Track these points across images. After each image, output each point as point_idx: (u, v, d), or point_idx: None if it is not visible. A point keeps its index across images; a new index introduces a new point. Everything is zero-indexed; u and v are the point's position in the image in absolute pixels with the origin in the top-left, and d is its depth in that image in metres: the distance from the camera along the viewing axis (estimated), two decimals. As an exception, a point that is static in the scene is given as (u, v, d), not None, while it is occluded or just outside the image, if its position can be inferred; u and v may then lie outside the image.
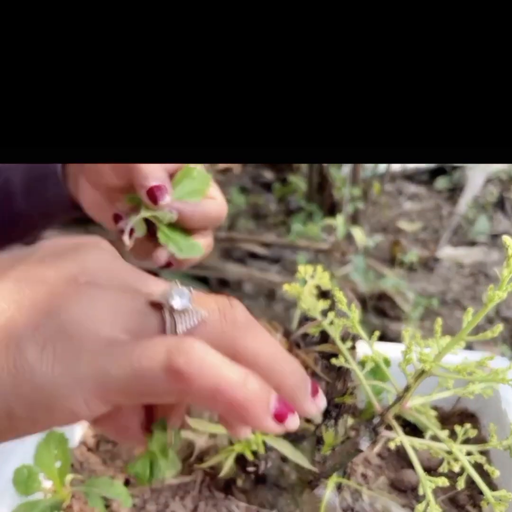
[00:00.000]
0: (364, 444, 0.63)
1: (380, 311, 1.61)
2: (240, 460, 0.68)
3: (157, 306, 0.34)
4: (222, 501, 0.69)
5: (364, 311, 1.56)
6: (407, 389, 0.62)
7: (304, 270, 0.75)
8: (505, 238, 0.53)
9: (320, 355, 0.67)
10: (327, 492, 0.60)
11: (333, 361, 0.66)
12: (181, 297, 0.35)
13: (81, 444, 0.78)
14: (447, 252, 2.06)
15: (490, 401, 0.78)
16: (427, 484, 0.58)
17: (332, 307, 0.71)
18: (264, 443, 0.66)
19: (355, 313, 0.65)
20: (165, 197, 0.53)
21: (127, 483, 0.73)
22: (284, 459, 0.67)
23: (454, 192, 2.61)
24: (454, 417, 0.83)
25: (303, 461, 0.63)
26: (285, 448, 0.63)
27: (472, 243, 2.21)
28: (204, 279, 1.78)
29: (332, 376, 0.67)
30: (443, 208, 2.47)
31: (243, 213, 2.15)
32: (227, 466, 0.64)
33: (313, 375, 0.66)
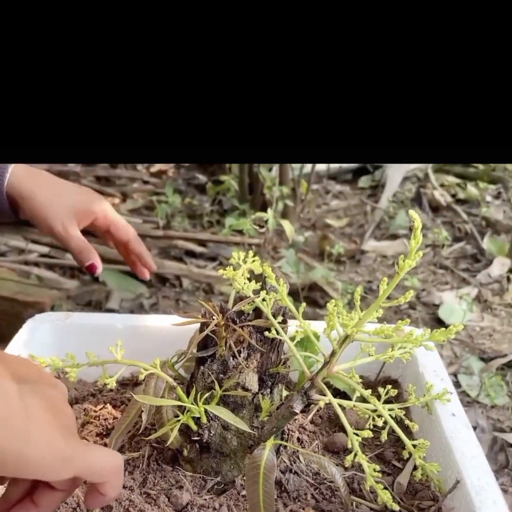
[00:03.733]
0: (298, 407, 0.70)
1: (312, 300, 1.69)
2: (185, 431, 0.73)
3: None
4: (170, 473, 0.74)
5: (296, 301, 1.64)
6: (332, 354, 0.69)
7: (237, 255, 0.81)
8: (411, 212, 0.61)
9: (255, 330, 0.73)
10: (266, 452, 0.66)
11: (266, 334, 0.72)
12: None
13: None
14: (371, 244, 2.18)
15: (409, 367, 0.87)
16: (354, 438, 0.65)
17: (263, 287, 0.78)
18: (207, 413, 0.71)
19: (284, 287, 0.71)
20: (98, 270, 0.92)
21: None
22: (225, 427, 0.73)
23: (376, 189, 2.75)
24: (378, 385, 0.91)
25: (243, 426, 0.69)
26: (226, 415, 0.69)
27: (394, 236, 2.34)
28: (142, 277, 1.81)
29: (266, 348, 0.74)
30: (366, 205, 2.60)
31: (179, 213, 2.20)
32: (173, 436, 0.69)
33: (249, 346, 0.72)
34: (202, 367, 0.75)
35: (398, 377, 0.91)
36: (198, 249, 2.08)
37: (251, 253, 0.83)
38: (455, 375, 1.44)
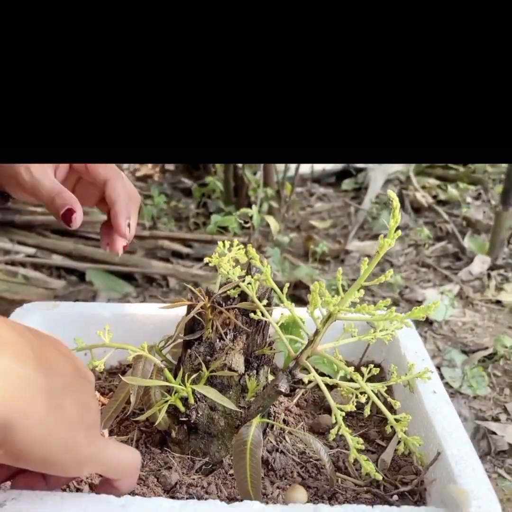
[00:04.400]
0: (283, 386, 0.72)
1: (297, 298, 1.71)
2: (173, 413, 0.74)
3: None
4: (159, 455, 0.75)
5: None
6: (316, 333, 0.71)
7: (222, 244, 0.83)
8: (390, 192, 0.64)
9: (240, 312, 0.75)
10: (252, 428, 0.67)
11: (252, 315, 0.74)
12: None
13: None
14: (355, 245, 2.21)
15: (391, 350, 0.89)
16: (338, 412, 0.67)
17: (248, 273, 0.79)
18: (194, 394, 0.73)
19: (268, 268, 0.73)
20: (76, 218, 0.70)
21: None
22: (212, 408, 0.74)
23: (359, 192, 2.79)
24: (361, 369, 0.93)
25: (230, 405, 0.70)
26: (213, 395, 0.70)
27: (377, 236, 2.37)
28: (130, 276, 1.82)
29: (252, 330, 0.75)
30: (350, 207, 2.63)
31: (165, 215, 2.21)
32: (161, 416, 0.70)
33: (235, 329, 0.74)
34: (189, 350, 0.76)
35: (381, 361, 0.93)
36: (184, 250, 2.10)
37: (236, 241, 0.85)
38: (438, 367, 1.47)
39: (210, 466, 0.75)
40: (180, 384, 0.72)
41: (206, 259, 0.85)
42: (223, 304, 0.76)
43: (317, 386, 0.70)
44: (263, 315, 0.74)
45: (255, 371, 0.76)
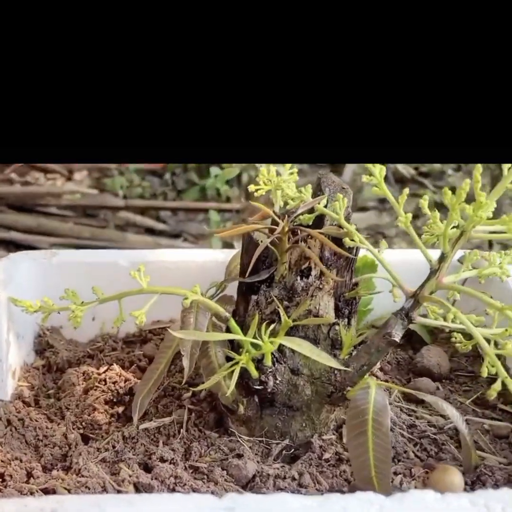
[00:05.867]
0: (397, 334, 0.52)
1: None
2: (240, 382, 0.54)
3: None
4: (219, 440, 0.55)
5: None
6: (443, 258, 0.52)
7: (265, 171, 0.62)
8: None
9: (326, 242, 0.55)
10: (372, 392, 0.48)
11: (347, 242, 0.54)
12: None
13: (16, 399, 0.59)
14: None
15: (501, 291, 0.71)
16: (486, 345, 0.48)
17: (317, 193, 0.60)
18: (272, 354, 0.52)
19: (344, 199, 0.54)
20: None
21: (85, 439, 0.56)
22: (295, 371, 0.54)
23: (337, 166, 2.63)
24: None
25: (330, 362, 0.51)
26: (307, 350, 0.50)
27: (363, 209, 2.23)
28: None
29: (341, 265, 0.56)
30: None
31: (137, 193, 1.96)
32: (232, 386, 0.50)
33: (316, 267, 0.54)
34: (255, 296, 0.56)
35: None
36: (159, 226, 1.87)
37: (287, 166, 0.64)
38: None
39: (292, 450, 0.55)
40: (255, 337, 0.52)
41: (251, 188, 0.63)
42: (299, 233, 0.56)
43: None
44: (360, 241, 0.54)
45: (346, 320, 0.56)
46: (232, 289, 0.61)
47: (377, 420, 0.47)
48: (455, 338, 0.57)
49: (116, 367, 0.65)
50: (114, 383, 0.62)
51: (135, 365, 0.66)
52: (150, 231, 1.87)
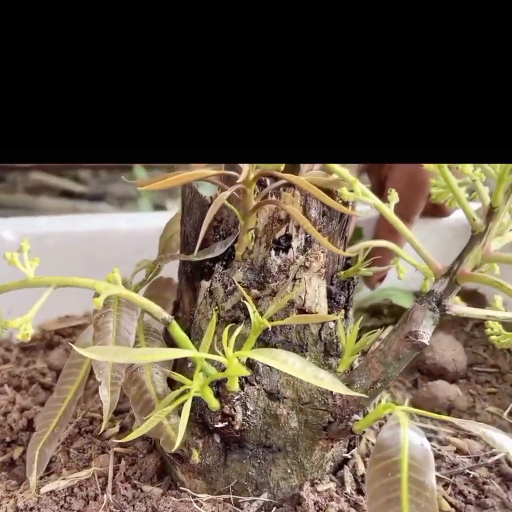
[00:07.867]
0: (427, 334, 0.35)
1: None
2: (192, 417, 0.35)
3: None
4: (163, 499, 0.36)
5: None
6: (491, 215, 0.35)
7: None
8: None
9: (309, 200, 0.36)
10: (405, 429, 0.30)
11: (343, 193, 0.35)
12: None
13: None
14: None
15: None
16: None
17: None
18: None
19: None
20: None
21: None
22: (272, 394, 0.36)
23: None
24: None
25: (321, 380, 0.32)
26: (284, 362, 0.32)
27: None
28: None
29: (333, 230, 0.37)
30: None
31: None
32: (181, 430, 0.31)
33: (300, 227, 0.36)
34: (206, 283, 0.37)
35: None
36: (78, 188, 1.64)
37: None
38: None
39: (273, 510, 0.37)
40: (211, 351, 0.33)
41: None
42: (268, 184, 0.37)
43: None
44: (363, 193, 0.36)
45: (343, 312, 0.38)
46: (170, 271, 0.42)
47: (416, 479, 0.29)
48: (492, 328, 0.41)
49: (7, 389, 0.45)
50: (4, 415, 0.42)
51: (37, 383, 0.46)
52: (67, 194, 1.63)
